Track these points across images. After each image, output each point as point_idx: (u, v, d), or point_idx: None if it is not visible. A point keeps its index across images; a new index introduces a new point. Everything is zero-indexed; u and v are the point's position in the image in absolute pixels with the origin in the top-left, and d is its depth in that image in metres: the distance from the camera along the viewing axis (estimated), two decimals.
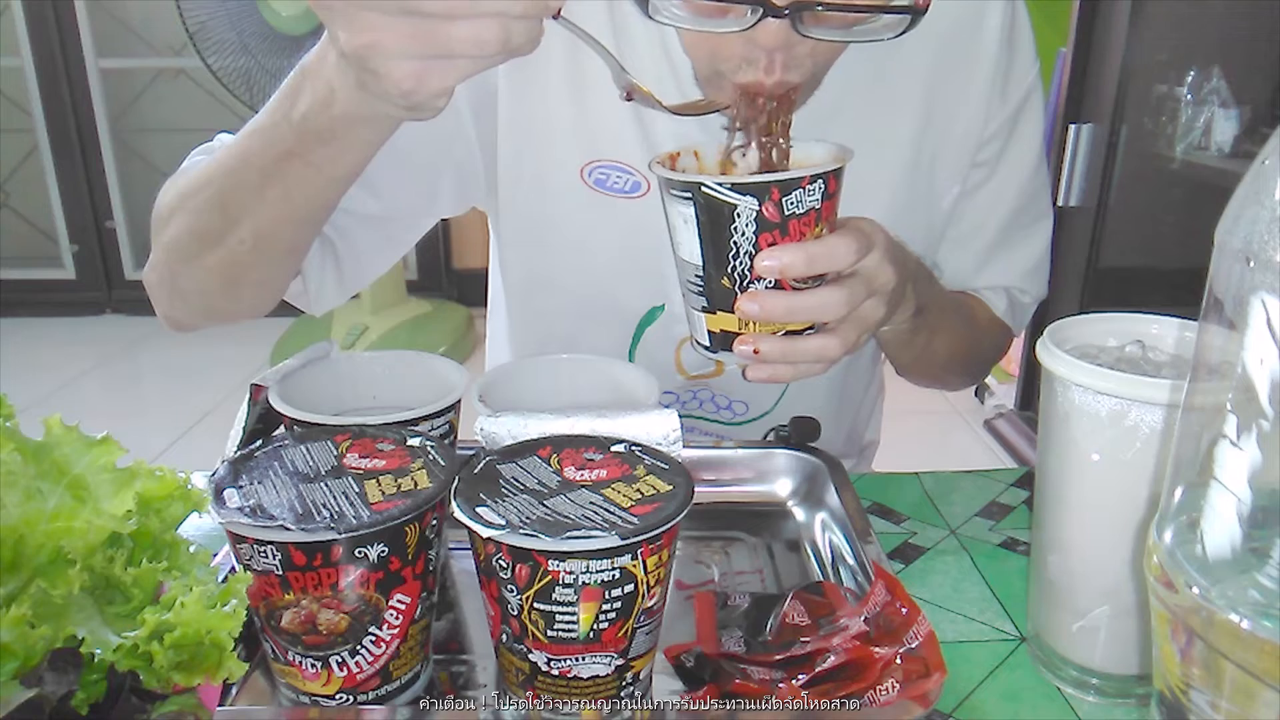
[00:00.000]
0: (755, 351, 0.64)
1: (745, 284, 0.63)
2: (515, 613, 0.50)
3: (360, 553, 0.49)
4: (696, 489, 0.52)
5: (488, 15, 0.51)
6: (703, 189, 0.60)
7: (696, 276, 0.65)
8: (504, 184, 0.83)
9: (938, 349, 0.84)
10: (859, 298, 0.64)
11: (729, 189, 0.60)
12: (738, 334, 0.64)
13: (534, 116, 0.80)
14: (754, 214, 0.60)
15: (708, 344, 0.67)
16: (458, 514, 0.50)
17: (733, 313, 0.63)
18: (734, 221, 0.61)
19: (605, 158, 0.81)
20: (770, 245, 0.61)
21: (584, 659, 0.51)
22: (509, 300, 0.94)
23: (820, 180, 0.61)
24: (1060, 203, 2.26)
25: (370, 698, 0.53)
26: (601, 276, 0.85)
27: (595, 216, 0.82)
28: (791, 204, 0.60)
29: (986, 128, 0.85)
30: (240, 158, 0.68)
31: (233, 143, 0.70)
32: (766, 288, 0.62)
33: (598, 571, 0.48)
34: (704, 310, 0.65)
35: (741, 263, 0.62)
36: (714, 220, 0.61)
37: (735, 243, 0.61)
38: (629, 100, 0.67)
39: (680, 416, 0.60)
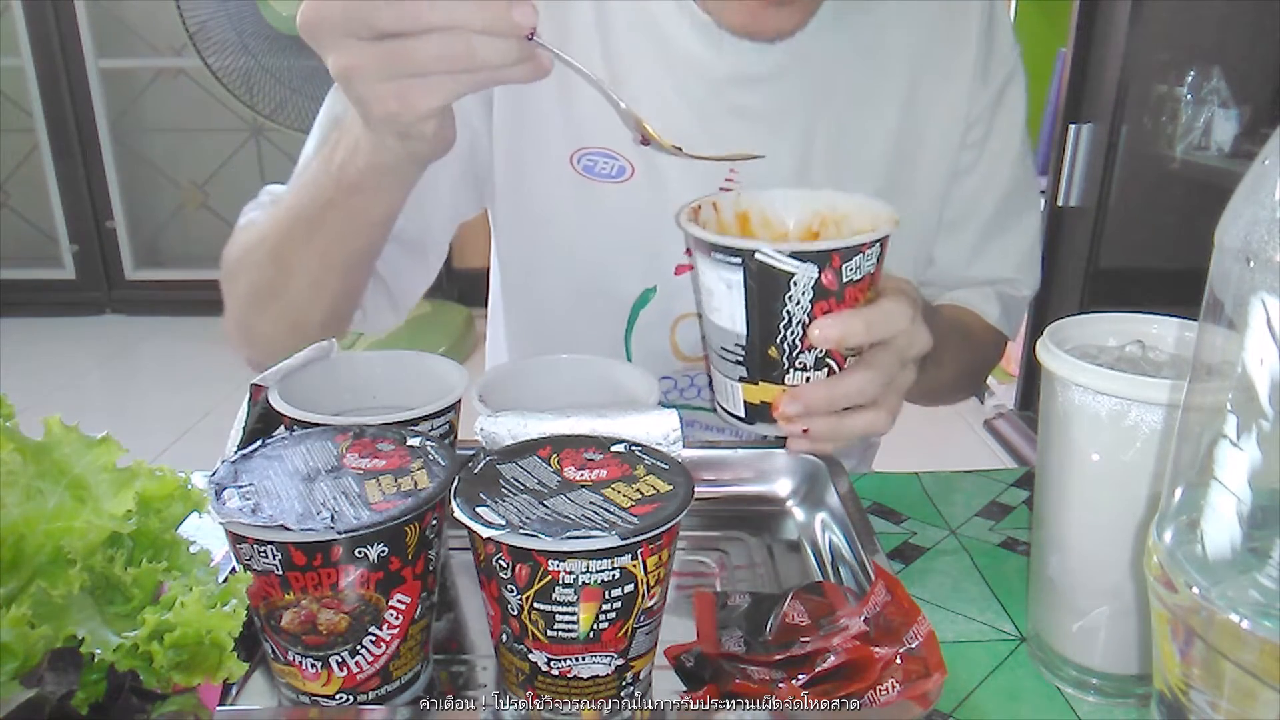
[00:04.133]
0: (805, 431, 0.62)
1: (795, 354, 0.60)
2: (515, 613, 0.50)
3: (360, 553, 0.49)
4: (696, 489, 0.52)
5: (451, 31, 0.53)
6: (756, 256, 0.57)
7: (737, 345, 0.61)
8: (499, 173, 0.85)
9: (943, 376, 0.85)
10: (894, 371, 0.63)
11: (789, 256, 0.57)
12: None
13: (524, 106, 0.82)
14: (812, 282, 0.57)
15: (743, 415, 0.64)
16: (458, 514, 0.50)
17: (777, 384, 0.61)
18: (789, 290, 0.58)
19: (592, 144, 0.82)
20: (825, 313, 0.58)
21: (584, 659, 0.51)
22: (505, 289, 0.96)
23: (877, 244, 0.59)
24: (1060, 203, 2.26)
25: (370, 698, 0.53)
26: (594, 261, 0.86)
27: (585, 203, 0.84)
28: (850, 270, 0.58)
29: (971, 110, 0.87)
30: (290, 212, 0.74)
31: (284, 195, 0.76)
32: (816, 358, 0.60)
33: (598, 571, 0.48)
34: (743, 380, 0.62)
35: (793, 332, 0.59)
36: (766, 288, 0.58)
37: (789, 311, 0.58)
38: (645, 144, 0.67)
39: (678, 408, 0.60)
